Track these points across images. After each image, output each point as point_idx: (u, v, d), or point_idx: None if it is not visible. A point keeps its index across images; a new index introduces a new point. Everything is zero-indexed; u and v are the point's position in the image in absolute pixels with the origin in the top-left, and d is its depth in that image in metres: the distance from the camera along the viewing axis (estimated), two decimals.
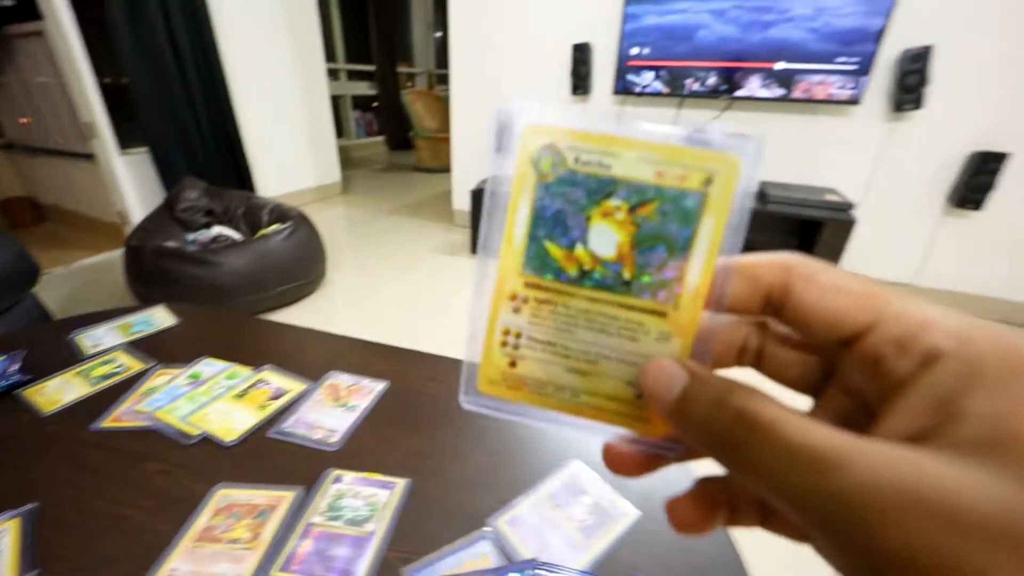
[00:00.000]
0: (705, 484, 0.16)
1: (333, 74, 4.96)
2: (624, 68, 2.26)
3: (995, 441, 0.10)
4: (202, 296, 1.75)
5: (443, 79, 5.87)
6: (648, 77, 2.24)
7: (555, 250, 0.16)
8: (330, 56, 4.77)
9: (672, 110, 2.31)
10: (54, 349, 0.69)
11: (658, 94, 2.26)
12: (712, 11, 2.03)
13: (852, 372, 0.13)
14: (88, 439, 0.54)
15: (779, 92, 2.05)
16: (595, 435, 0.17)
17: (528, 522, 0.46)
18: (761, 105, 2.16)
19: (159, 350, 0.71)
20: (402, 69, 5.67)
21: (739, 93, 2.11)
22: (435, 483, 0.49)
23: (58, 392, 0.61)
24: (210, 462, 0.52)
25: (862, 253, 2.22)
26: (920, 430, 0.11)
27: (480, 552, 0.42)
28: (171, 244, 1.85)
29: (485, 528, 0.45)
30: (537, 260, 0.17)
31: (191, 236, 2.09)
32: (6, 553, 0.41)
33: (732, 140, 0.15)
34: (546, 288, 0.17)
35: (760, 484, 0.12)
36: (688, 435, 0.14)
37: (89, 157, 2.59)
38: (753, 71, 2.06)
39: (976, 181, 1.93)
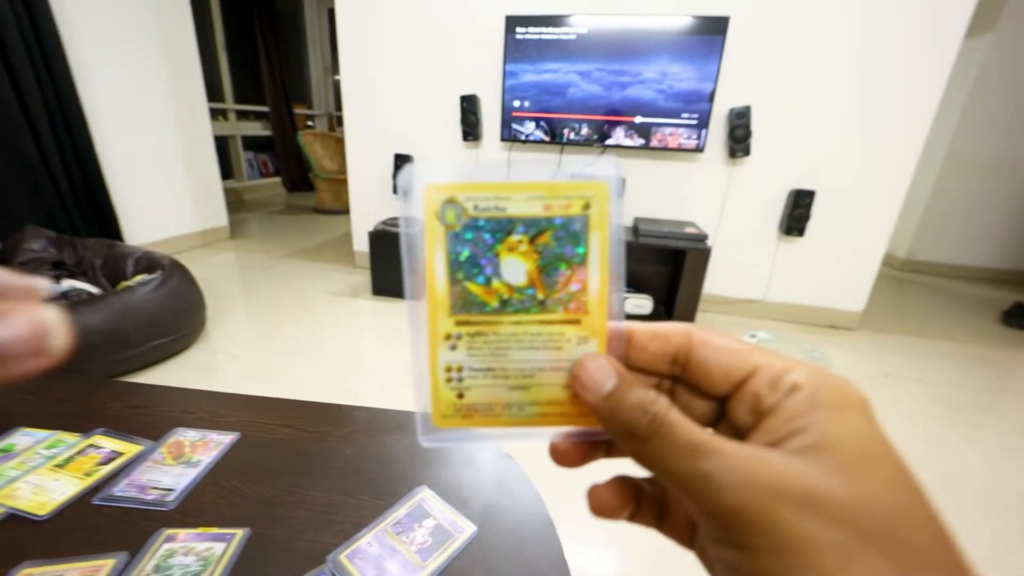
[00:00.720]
0: (621, 480, 0.20)
1: (221, 113, 4.71)
2: (509, 118, 2.47)
3: (819, 445, 0.14)
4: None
5: (342, 121, 5.83)
6: (530, 126, 2.46)
7: (475, 288, 0.19)
8: (216, 96, 4.55)
9: (555, 155, 2.55)
10: None
11: (540, 141, 2.48)
12: (579, 72, 2.31)
13: (737, 410, 0.17)
14: None
15: (640, 141, 2.36)
16: (542, 439, 0.20)
17: (368, 553, 0.48)
18: (628, 152, 2.46)
19: None
20: (300, 111, 5.55)
21: (609, 142, 2.40)
22: (276, 529, 0.50)
23: None
24: (15, 542, 0.47)
25: (720, 276, 2.57)
26: (775, 440, 0.15)
27: None
28: None
29: (323, 565, 0.46)
30: (461, 300, 0.19)
31: None
32: None
33: (599, 170, 0.19)
34: (475, 322, 0.19)
35: (657, 468, 0.16)
36: (608, 425, 0.17)
37: None
38: (617, 123, 2.36)
39: (796, 213, 2.36)
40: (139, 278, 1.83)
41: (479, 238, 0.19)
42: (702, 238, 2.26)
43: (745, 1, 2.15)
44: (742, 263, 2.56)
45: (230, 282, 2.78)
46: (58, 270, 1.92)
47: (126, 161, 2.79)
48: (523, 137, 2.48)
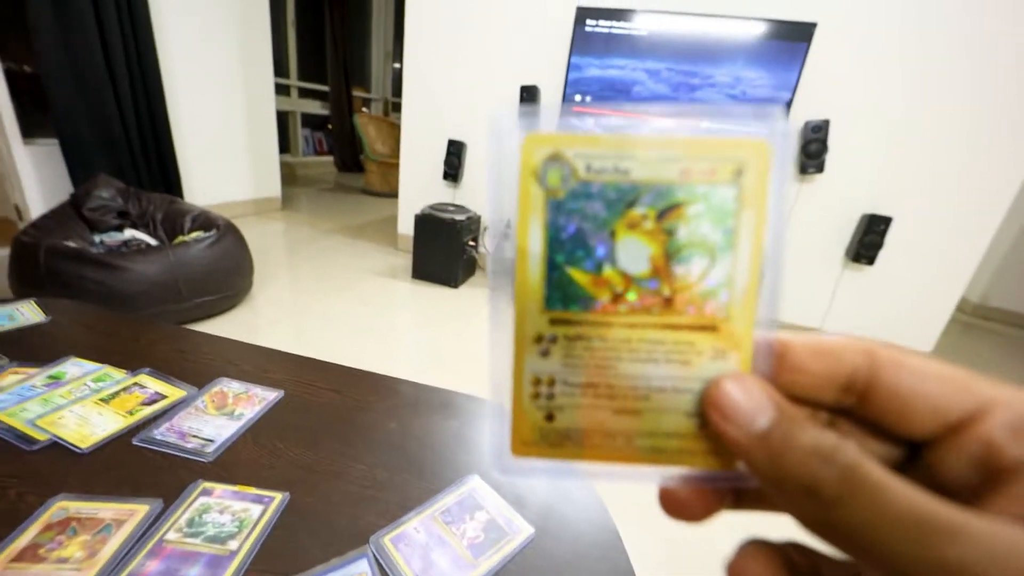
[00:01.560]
0: (768, 551, 0.14)
1: (284, 89, 4.86)
2: (568, 112, 2.40)
3: None
4: (103, 305, 1.58)
5: (399, 107, 5.92)
6: (589, 123, 2.38)
7: (580, 276, 0.14)
8: (281, 72, 4.69)
9: None
10: None
11: None
12: (647, 70, 2.22)
13: (947, 460, 0.12)
14: None
15: None
16: (658, 482, 0.15)
17: (415, 540, 0.43)
18: None
19: (18, 348, 0.62)
20: (358, 93, 5.67)
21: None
22: (316, 498, 0.46)
23: None
24: (56, 472, 0.45)
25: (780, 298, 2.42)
26: None
27: (356, 572, 0.39)
28: (71, 244, 1.67)
29: (365, 547, 0.41)
30: (560, 292, 0.14)
31: (98, 237, 1.90)
32: None
33: (757, 124, 0.14)
34: (576, 322, 0.14)
35: (856, 547, 0.11)
36: (766, 475, 0.12)
37: None
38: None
39: (868, 239, 2.19)
40: (195, 235, 1.87)
41: (591, 209, 0.14)
42: None
43: (835, 7, 2.00)
44: (801, 287, 2.40)
45: (277, 250, 2.84)
46: (122, 219, 2.00)
47: (194, 124, 2.90)
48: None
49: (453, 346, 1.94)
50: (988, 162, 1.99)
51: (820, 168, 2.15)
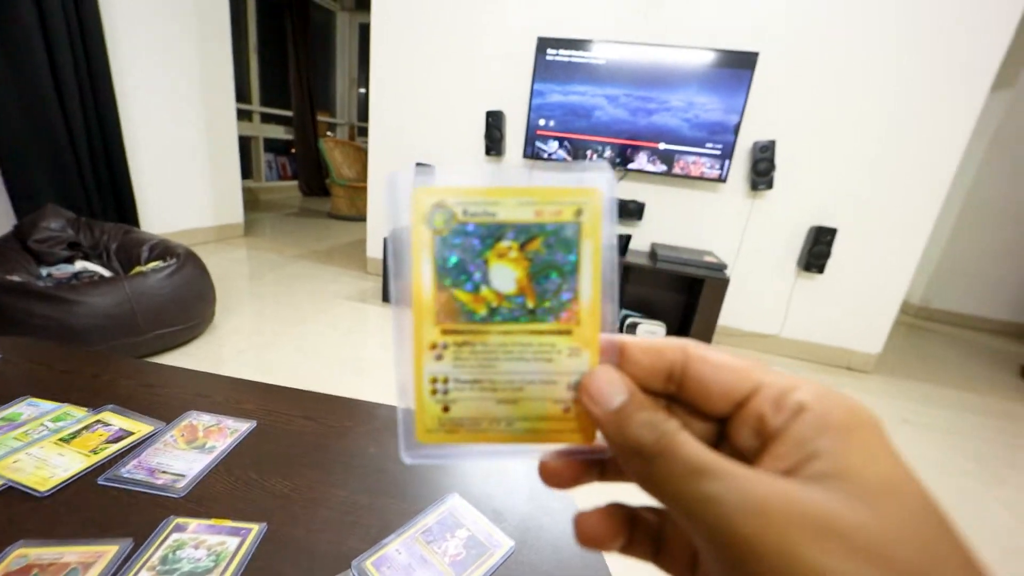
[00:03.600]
0: (614, 507, 0.18)
1: (246, 115, 4.79)
2: (533, 135, 2.48)
3: (837, 472, 0.13)
4: (54, 342, 1.49)
5: (364, 131, 5.93)
6: (554, 146, 2.47)
7: (463, 295, 0.18)
8: (243, 97, 4.64)
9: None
10: None
11: (563, 160, 2.48)
12: (606, 96, 2.33)
13: (739, 432, 0.16)
14: None
15: (662, 168, 2.36)
16: (534, 457, 0.19)
17: (397, 561, 0.43)
18: (650, 177, 2.46)
19: None
20: (323, 118, 5.65)
21: (631, 166, 2.40)
22: (295, 527, 0.45)
23: None
24: (12, 518, 0.43)
25: (736, 308, 2.53)
26: (786, 467, 0.14)
27: None
28: (14, 278, 1.58)
29: (348, 571, 0.41)
30: (448, 308, 0.18)
31: (46, 271, 1.81)
32: None
33: (590, 175, 0.18)
34: (462, 331, 0.18)
35: (661, 491, 0.14)
36: (613, 441, 0.16)
37: None
38: (641, 148, 2.36)
39: (816, 250, 2.33)
40: (152, 265, 1.80)
41: (468, 244, 0.18)
42: (721, 267, 2.23)
43: (775, 38, 2.17)
44: (759, 296, 2.53)
45: (241, 278, 2.76)
46: (72, 250, 1.90)
47: (151, 150, 2.82)
48: (546, 155, 2.49)
49: None
50: (918, 176, 2.18)
51: (769, 184, 2.30)
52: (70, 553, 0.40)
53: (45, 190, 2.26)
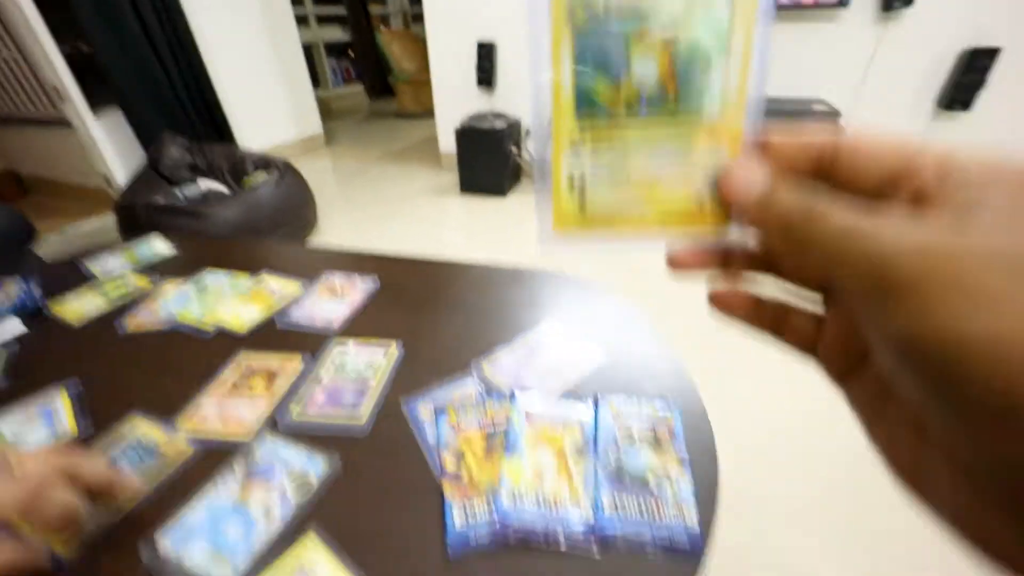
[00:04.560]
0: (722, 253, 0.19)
1: (302, 20, 4.70)
2: None
3: (1008, 224, 0.11)
4: None
5: (417, 17, 5.56)
6: None
7: (602, 88, 0.18)
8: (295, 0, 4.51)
9: None
10: (70, 276, 0.75)
11: None
12: None
13: (895, 206, 0.14)
14: (119, 341, 0.61)
15: None
16: (661, 244, 0.19)
17: (506, 364, 0.53)
18: None
19: (164, 269, 0.76)
20: (374, 10, 5.37)
21: None
22: (425, 344, 0.57)
23: (81, 308, 0.67)
24: (227, 348, 0.59)
25: None
26: (951, 223, 0.12)
27: (467, 386, 0.50)
28: (161, 200, 1.87)
29: (468, 368, 0.52)
30: (587, 104, 0.18)
31: (179, 191, 2.10)
32: (62, 411, 0.48)
33: None
34: (601, 126, 0.18)
35: (813, 254, 0.14)
36: (762, 226, 0.16)
37: (64, 123, 2.54)
38: None
39: (966, 80, 1.91)
40: (260, 177, 2.01)
41: (610, 34, 0.17)
42: (833, 115, 1.94)
43: None
44: None
45: (332, 184, 2.98)
46: (193, 172, 2.17)
47: (231, 75, 2.95)
48: None
49: (508, 253, 2.02)
50: None
51: (908, 1, 1.84)
52: (272, 359, 0.54)
53: (157, 122, 2.53)
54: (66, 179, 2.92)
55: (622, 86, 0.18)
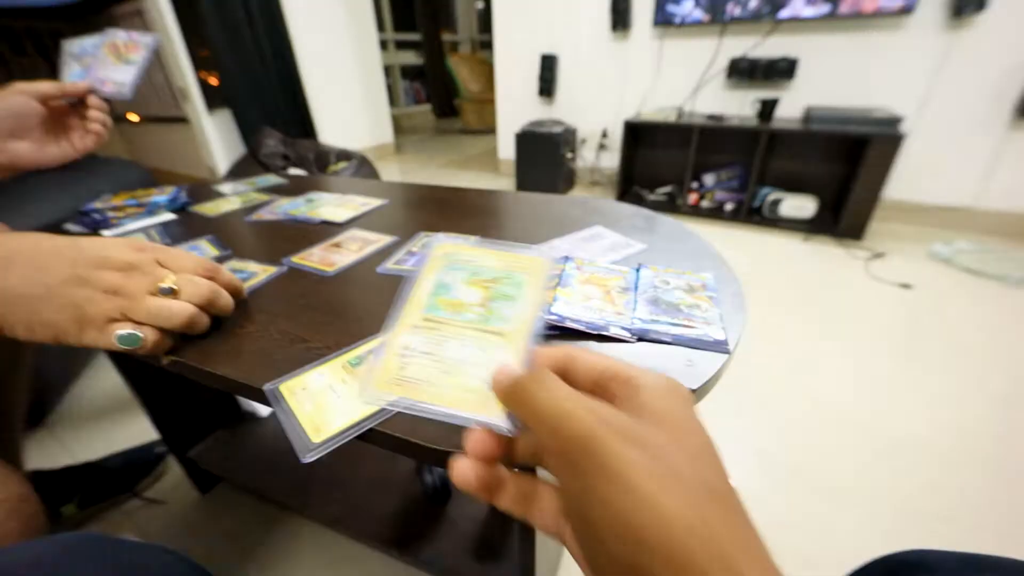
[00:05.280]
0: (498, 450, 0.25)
1: (383, 45, 5.19)
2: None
3: (646, 409, 0.20)
4: None
5: (484, 45, 5.96)
6: (688, 6, 2.26)
7: (444, 301, 0.31)
8: (379, 26, 5.01)
9: (714, 40, 2.32)
10: (204, 192, 0.92)
11: (698, 23, 2.27)
12: None
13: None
14: (245, 226, 0.75)
15: (825, 9, 2.02)
16: (456, 422, 0.27)
17: (560, 245, 0.61)
18: (806, 26, 2.13)
19: (278, 191, 0.92)
20: (446, 37, 5.82)
21: (783, 14, 2.09)
22: (492, 237, 0.66)
23: (216, 207, 0.83)
24: (330, 230, 0.71)
25: (914, 175, 2.16)
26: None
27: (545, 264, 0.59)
28: None
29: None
30: (432, 307, 0.31)
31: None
32: (207, 248, 0.62)
33: (540, 250, 0.36)
34: (436, 321, 0.31)
35: (534, 414, 0.21)
36: (509, 404, 0.24)
37: (182, 120, 2.96)
38: None
39: None
40: (341, 164, 2.25)
41: (458, 274, 0.32)
42: (893, 121, 1.91)
43: None
44: (946, 161, 2.11)
45: (398, 181, 3.22)
46: (285, 161, 2.46)
47: (321, 85, 3.33)
48: (678, 20, 2.30)
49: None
50: None
51: (980, 4, 1.81)
52: (369, 235, 0.66)
53: (259, 120, 2.89)
54: (176, 169, 3.36)
55: (456, 301, 0.31)
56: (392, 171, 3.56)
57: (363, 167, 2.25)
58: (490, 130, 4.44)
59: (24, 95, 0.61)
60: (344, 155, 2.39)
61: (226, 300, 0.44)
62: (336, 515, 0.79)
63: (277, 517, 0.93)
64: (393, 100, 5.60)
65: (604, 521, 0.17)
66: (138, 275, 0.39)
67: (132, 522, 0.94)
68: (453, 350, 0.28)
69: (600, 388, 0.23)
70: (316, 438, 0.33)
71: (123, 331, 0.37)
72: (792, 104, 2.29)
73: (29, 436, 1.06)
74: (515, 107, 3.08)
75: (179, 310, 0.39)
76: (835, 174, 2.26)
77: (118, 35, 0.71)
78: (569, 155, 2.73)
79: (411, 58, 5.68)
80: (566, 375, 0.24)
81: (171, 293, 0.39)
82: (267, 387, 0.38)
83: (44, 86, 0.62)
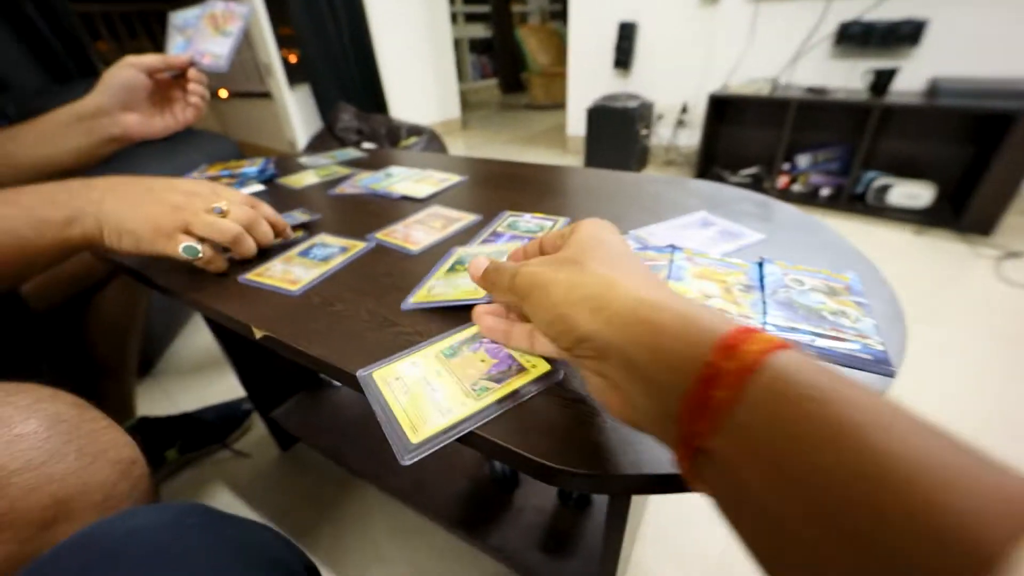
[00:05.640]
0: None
1: (452, 17, 5.14)
2: None
3: (570, 242, 0.30)
4: None
5: (555, 15, 5.74)
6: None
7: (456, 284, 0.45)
8: None
9: (820, 1, 2.05)
10: (290, 165, 0.94)
11: None
12: None
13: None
14: (328, 199, 0.75)
15: None
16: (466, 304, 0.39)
17: (661, 232, 0.55)
18: None
19: (358, 165, 0.92)
20: (515, 8, 5.66)
21: None
22: (585, 217, 0.61)
23: (300, 180, 0.84)
24: (411, 207, 0.69)
25: None
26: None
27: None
28: None
29: (625, 233, 0.55)
30: (449, 269, 0.48)
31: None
32: (296, 213, 0.62)
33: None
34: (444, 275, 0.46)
35: (501, 292, 0.31)
36: (486, 287, 0.33)
37: (266, 95, 3.11)
38: None
39: None
40: (412, 139, 2.27)
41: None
42: None
43: None
44: None
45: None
46: (359, 136, 2.51)
47: (393, 60, 3.35)
48: None
49: None
50: None
51: None
52: (452, 212, 0.63)
53: (335, 97, 2.97)
54: (258, 142, 3.56)
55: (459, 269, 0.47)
56: (458, 146, 3.56)
57: (432, 142, 2.25)
58: (557, 105, 4.30)
59: (133, 68, 0.63)
60: (415, 130, 2.40)
61: (265, 229, 0.53)
62: (404, 488, 0.80)
63: (349, 480, 0.96)
64: (461, 74, 5.57)
65: (543, 307, 0.26)
66: (197, 199, 0.49)
67: (223, 471, 1.02)
68: (458, 280, 0.46)
69: (556, 248, 0.31)
70: (415, 438, 0.30)
71: (186, 243, 0.47)
72: (912, 75, 1.99)
73: (139, 383, 1.17)
74: (587, 80, 2.93)
75: (228, 227, 0.49)
76: (960, 158, 1.95)
77: (216, 5, 0.72)
78: (644, 132, 2.57)
79: (479, 31, 5.59)
80: (542, 251, 0.33)
81: (221, 214, 0.49)
82: (360, 373, 0.36)
83: (150, 59, 0.65)
